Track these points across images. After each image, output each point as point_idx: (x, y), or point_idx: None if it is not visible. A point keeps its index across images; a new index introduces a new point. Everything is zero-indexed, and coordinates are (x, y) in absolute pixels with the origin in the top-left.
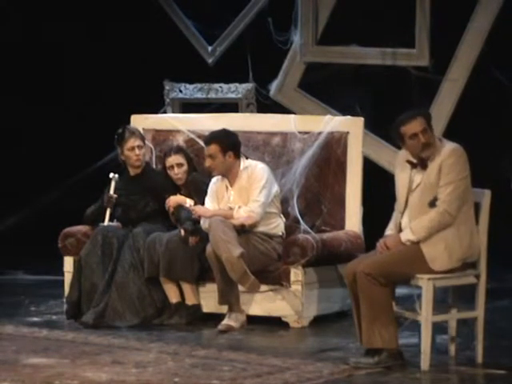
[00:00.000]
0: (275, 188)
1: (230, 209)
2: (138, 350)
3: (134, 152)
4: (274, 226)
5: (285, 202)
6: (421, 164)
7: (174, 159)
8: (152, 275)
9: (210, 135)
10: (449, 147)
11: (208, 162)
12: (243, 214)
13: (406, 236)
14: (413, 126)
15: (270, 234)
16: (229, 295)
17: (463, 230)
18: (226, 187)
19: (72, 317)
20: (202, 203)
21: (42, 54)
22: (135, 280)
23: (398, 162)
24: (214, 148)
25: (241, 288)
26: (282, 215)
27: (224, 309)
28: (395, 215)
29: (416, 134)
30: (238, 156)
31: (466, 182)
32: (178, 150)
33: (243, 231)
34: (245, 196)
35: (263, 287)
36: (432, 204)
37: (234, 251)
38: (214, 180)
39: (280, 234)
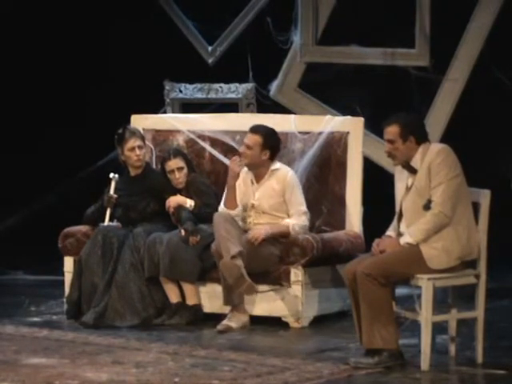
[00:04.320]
0: None
1: (253, 206)
2: (138, 349)
3: (135, 152)
4: None
5: None
6: (407, 168)
7: (174, 163)
8: (152, 275)
9: (258, 126)
10: (436, 148)
11: (242, 149)
12: (299, 230)
13: (405, 239)
14: (385, 132)
15: (278, 239)
16: (233, 295)
17: (461, 228)
18: (252, 182)
19: (72, 317)
20: (202, 203)
21: (42, 54)
22: (135, 280)
23: (396, 170)
24: (255, 139)
25: None
26: None
27: (224, 309)
28: (395, 218)
29: (385, 140)
30: (272, 158)
31: (457, 180)
32: (177, 153)
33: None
34: (271, 198)
35: (263, 287)
36: (427, 207)
37: (233, 250)
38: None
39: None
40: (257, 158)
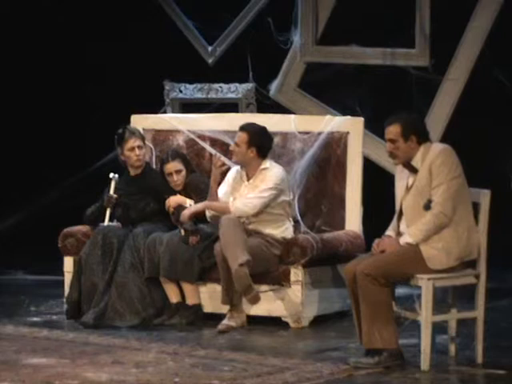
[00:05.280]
0: (285, 196)
1: None
2: (138, 350)
3: (134, 152)
4: (283, 230)
5: None
6: (408, 167)
7: (172, 166)
8: (152, 275)
9: (246, 124)
10: (437, 148)
11: (232, 147)
12: (239, 205)
13: (405, 239)
14: (387, 131)
15: (280, 239)
16: (232, 295)
17: (461, 229)
18: (243, 179)
19: (72, 317)
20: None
21: (42, 54)
22: (135, 280)
23: (397, 169)
24: (242, 136)
25: None
26: (291, 219)
27: (224, 309)
28: (395, 218)
29: (386, 140)
30: (260, 156)
31: (457, 181)
32: (176, 155)
33: (255, 233)
34: None
35: (263, 287)
36: (427, 207)
37: (241, 258)
38: (233, 169)
39: (289, 237)
40: (244, 154)
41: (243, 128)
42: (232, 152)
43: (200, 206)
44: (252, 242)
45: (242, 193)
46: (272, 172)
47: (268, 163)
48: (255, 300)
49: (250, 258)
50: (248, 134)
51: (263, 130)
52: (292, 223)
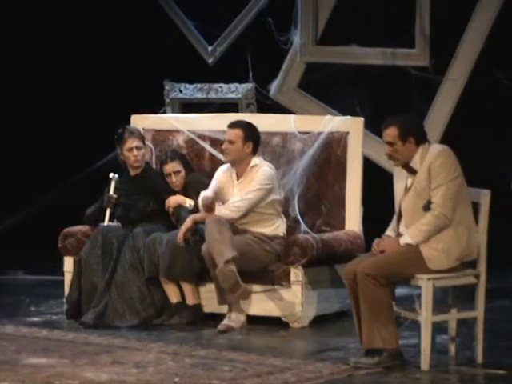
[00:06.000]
0: (274, 196)
1: None
2: (138, 350)
3: (133, 153)
4: (274, 228)
5: (285, 202)
6: (407, 168)
7: (171, 167)
8: (152, 275)
9: (237, 121)
10: (435, 149)
11: (225, 146)
12: (224, 211)
13: (404, 240)
14: (384, 134)
15: (270, 236)
16: (226, 295)
17: (461, 229)
18: (233, 179)
19: (72, 317)
20: None
21: (41, 53)
22: (135, 280)
23: (395, 170)
24: (237, 133)
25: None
26: (283, 216)
27: (224, 309)
28: (395, 218)
29: (384, 142)
30: (254, 152)
31: (457, 182)
32: (174, 156)
33: (243, 231)
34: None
35: (263, 287)
36: (427, 208)
37: (227, 254)
38: (220, 170)
39: (281, 234)
40: (240, 151)
41: (235, 125)
42: (225, 151)
43: (188, 221)
44: (240, 239)
45: (233, 193)
46: (260, 171)
47: (257, 160)
48: (244, 296)
49: (236, 254)
50: (242, 130)
51: (252, 124)
52: (284, 220)
